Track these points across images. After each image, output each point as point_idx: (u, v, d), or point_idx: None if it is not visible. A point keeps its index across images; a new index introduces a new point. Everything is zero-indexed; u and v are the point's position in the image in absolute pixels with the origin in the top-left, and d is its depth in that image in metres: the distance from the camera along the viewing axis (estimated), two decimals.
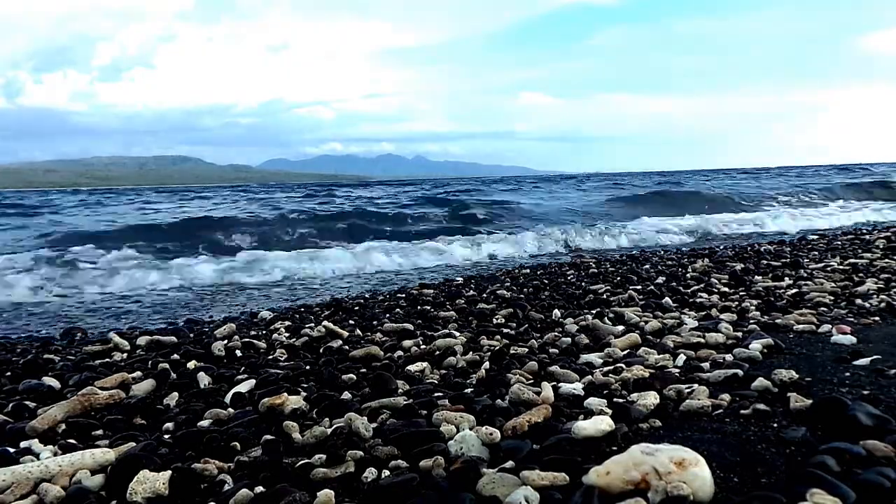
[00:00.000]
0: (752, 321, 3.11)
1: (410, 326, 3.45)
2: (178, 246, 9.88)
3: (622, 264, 6.23)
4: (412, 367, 2.58)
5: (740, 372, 2.18)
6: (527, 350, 2.79)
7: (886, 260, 5.04)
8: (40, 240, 10.93)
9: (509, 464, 1.54)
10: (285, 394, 2.11)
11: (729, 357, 2.44)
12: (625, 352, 2.66)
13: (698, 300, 3.83)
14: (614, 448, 1.60)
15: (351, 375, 2.47)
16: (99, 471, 1.66)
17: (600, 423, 1.66)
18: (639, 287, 4.41)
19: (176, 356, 3.02)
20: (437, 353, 2.79)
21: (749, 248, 6.89)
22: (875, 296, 3.56)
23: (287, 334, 3.53)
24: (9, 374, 2.90)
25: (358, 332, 3.46)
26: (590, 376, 2.26)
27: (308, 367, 2.68)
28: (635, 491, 1.27)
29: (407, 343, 3.06)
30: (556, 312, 3.63)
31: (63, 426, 2.09)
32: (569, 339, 2.93)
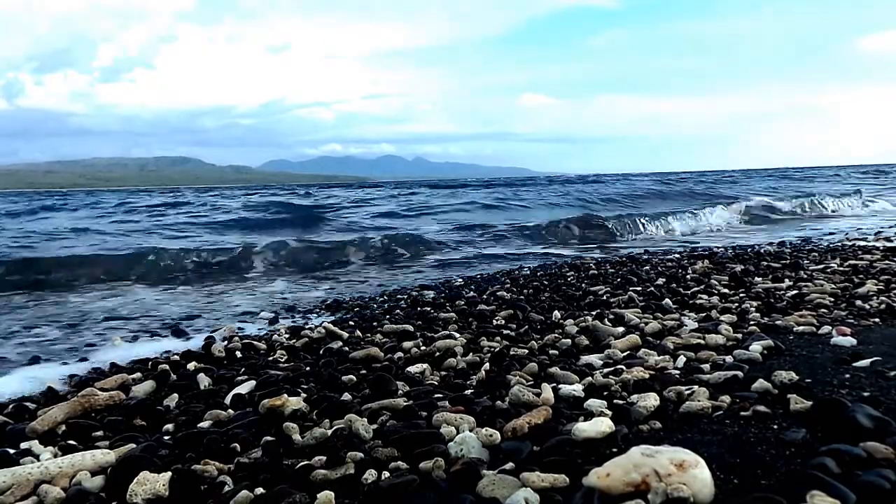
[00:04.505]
0: (752, 322, 3.11)
1: (410, 328, 3.45)
2: None
3: (622, 265, 6.23)
4: (412, 369, 2.57)
5: (740, 373, 2.18)
6: (527, 351, 2.79)
7: (886, 261, 5.04)
8: None
9: (509, 465, 1.54)
10: (285, 395, 2.10)
11: (729, 358, 2.44)
12: (625, 353, 2.66)
13: (698, 301, 3.82)
14: (614, 450, 1.60)
15: (351, 377, 2.47)
16: (99, 472, 1.66)
17: (600, 425, 1.66)
18: (639, 288, 4.41)
19: (176, 357, 3.03)
20: (438, 354, 2.79)
21: (749, 250, 6.89)
22: (875, 297, 3.55)
23: (287, 335, 3.53)
24: None
25: (358, 333, 3.46)
26: (590, 378, 2.26)
27: (308, 369, 2.68)
28: (636, 493, 1.27)
29: (407, 344, 3.06)
30: (557, 314, 3.63)
31: (63, 427, 2.09)
32: (569, 341, 2.93)
